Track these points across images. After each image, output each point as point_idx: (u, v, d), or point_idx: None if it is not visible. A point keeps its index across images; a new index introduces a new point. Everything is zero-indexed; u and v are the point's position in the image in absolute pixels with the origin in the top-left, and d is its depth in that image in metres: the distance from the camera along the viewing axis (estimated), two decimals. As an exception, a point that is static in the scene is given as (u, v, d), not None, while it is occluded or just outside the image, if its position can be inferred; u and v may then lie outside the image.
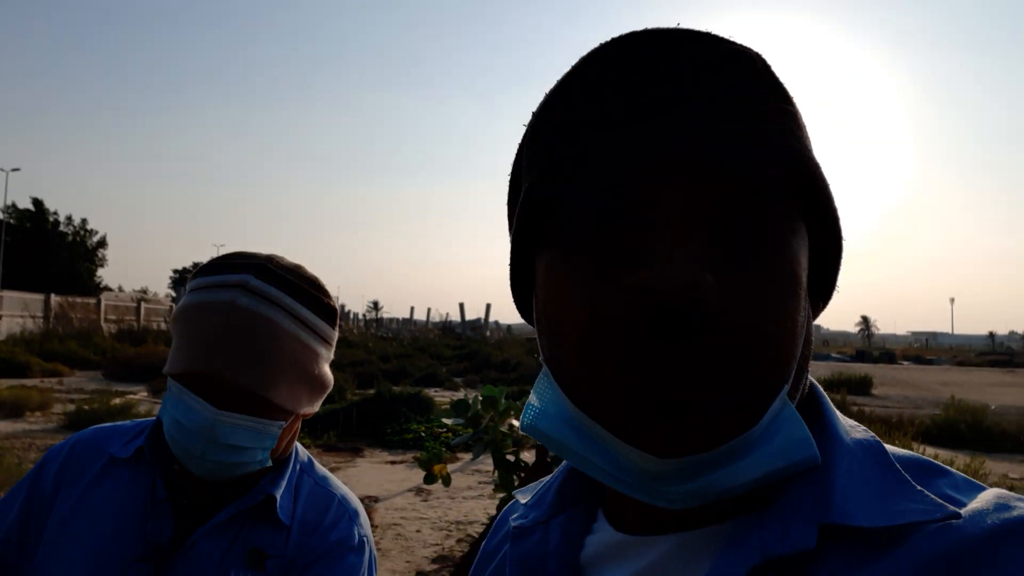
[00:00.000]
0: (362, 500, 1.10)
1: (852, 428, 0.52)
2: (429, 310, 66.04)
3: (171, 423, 0.98)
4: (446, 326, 51.90)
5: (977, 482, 0.49)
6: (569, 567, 0.56)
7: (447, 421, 4.92)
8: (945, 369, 36.46)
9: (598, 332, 0.46)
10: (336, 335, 1.10)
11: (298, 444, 1.15)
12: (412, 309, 59.81)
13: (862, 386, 19.47)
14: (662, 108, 0.47)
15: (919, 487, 0.47)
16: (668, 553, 0.51)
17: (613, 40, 0.50)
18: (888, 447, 0.51)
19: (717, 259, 0.45)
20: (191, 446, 0.96)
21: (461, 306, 47.86)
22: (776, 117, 0.48)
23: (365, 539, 1.10)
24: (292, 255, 1.08)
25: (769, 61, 0.50)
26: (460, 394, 16.67)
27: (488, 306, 47.50)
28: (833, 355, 48.67)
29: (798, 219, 0.49)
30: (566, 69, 0.52)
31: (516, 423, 4.32)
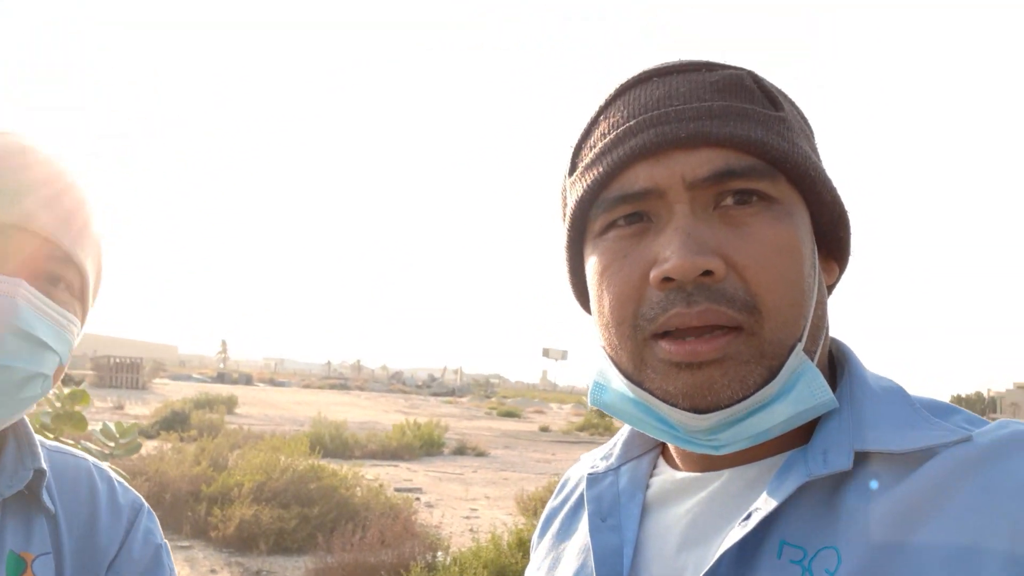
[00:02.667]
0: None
1: (878, 377, 0.63)
2: None
3: None
4: None
5: (982, 418, 0.58)
6: (637, 502, 0.67)
7: None
8: (295, 390, 40.54)
9: (636, 315, 0.59)
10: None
11: None
12: None
13: (229, 405, 20.19)
14: (669, 119, 0.59)
15: (936, 419, 0.57)
16: (723, 485, 0.62)
17: (626, 82, 0.64)
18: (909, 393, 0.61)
19: (725, 240, 0.57)
20: None
21: None
22: (764, 119, 0.60)
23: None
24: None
25: (759, 76, 0.63)
26: None
27: None
28: (195, 375, 48.70)
29: (796, 202, 0.60)
30: (594, 109, 0.67)
31: None
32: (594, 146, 0.64)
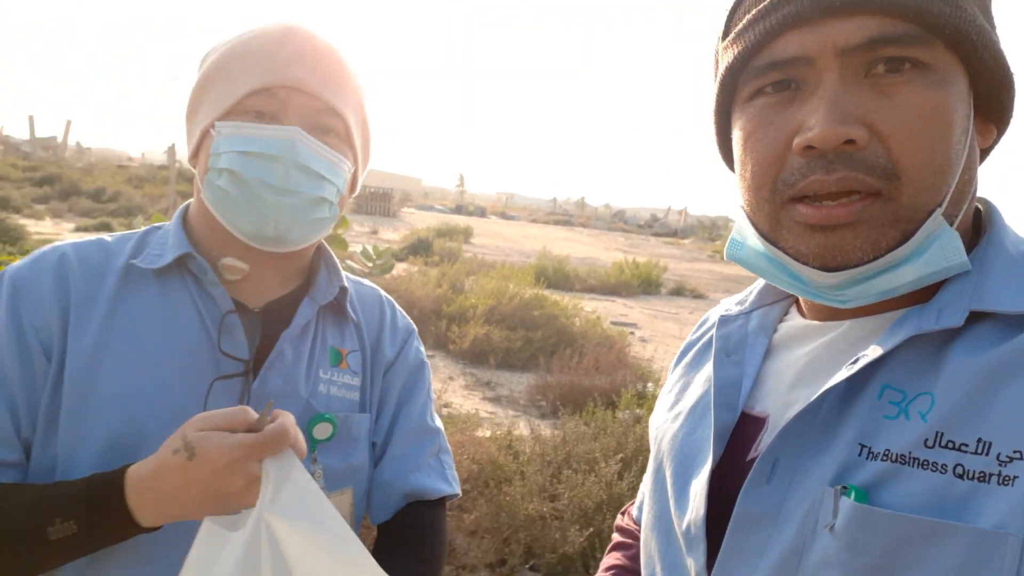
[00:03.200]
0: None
1: (1020, 241, 0.63)
2: (-25, 118, 52.16)
3: (236, 163, 0.89)
4: (5, 142, 42.08)
5: None
6: (762, 343, 0.74)
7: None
8: (523, 224, 42.43)
9: (776, 179, 0.62)
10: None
11: None
12: (-51, 114, 46.66)
13: (465, 234, 21.90)
14: None
15: None
16: (843, 333, 0.66)
17: None
18: None
19: (872, 108, 0.57)
20: (268, 178, 0.88)
21: (30, 119, 39.00)
22: None
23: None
24: None
25: None
26: (47, 223, 14.23)
27: (68, 123, 39.57)
28: (436, 206, 52.93)
29: (952, 67, 0.59)
30: None
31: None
32: (748, 11, 0.64)
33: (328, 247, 1.09)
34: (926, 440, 0.54)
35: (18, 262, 0.91)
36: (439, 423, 1.13)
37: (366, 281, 1.15)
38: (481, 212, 50.17)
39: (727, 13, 0.68)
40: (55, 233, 12.38)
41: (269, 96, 0.91)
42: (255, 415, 0.77)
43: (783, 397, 0.68)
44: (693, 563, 0.66)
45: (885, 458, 0.56)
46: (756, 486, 0.62)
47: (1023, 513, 0.49)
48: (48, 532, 0.76)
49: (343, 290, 1.04)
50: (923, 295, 0.62)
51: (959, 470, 0.52)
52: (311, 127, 0.92)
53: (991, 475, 0.51)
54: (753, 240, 0.67)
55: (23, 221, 12.44)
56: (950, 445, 0.53)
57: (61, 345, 0.87)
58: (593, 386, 5.38)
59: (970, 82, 0.61)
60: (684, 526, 0.69)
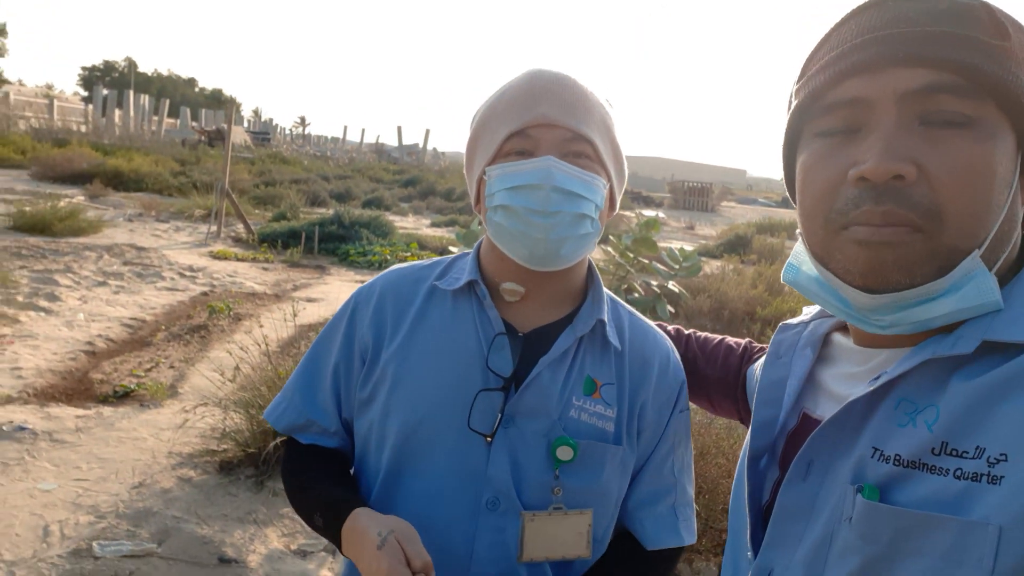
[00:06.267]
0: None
1: None
2: (364, 131, 63.56)
3: (505, 198, 1.00)
4: (379, 149, 50.42)
5: None
6: (813, 350, 0.83)
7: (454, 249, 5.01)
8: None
9: (831, 209, 0.68)
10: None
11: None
12: (345, 128, 57.30)
13: (790, 230, 20.52)
14: (892, 40, 0.65)
15: None
16: (879, 362, 0.74)
17: (859, 6, 0.71)
18: None
19: (922, 151, 0.63)
20: (534, 204, 0.98)
21: (399, 129, 46.14)
22: (984, 47, 0.63)
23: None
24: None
25: (994, 7, 0.65)
26: (409, 220, 16.69)
27: (427, 132, 46.00)
28: (760, 199, 50.43)
29: (1001, 125, 0.64)
30: (829, 26, 0.74)
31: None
32: (821, 59, 0.72)
33: (599, 278, 1.16)
34: (933, 448, 0.62)
35: (364, 285, 1.18)
36: (688, 476, 1.15)
37: (653, 326, 1.19)
38: (810, 206, 46.40)
39: (805, 59, 0.76)
40: (415, 227, 14.50)
41: (523, 137, 1.02)
42: None
43: (820, 404, 0.79)
44: (750, 546, 0.78)
45: (897, 462, 0.64)
46: (794, 483, 0.73)
47: (1005, 507, 0.56)
48: (314, 519, 1.05)
49: (600, 322, 1.09)
50: (950, 328, 0.67)
51: (958, 472, 0.60)
52: (563, 154, 1.01)
53: (982, 475, 0.58)
54: (807, 265, 0.76)
55: (392, 217, 14.78)
56: (953, 452, 0.61)
57: (375, 353, 1.10)
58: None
59: (1018, 141, 0.65)
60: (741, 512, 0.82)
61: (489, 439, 1.00)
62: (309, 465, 1.12)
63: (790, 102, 0.78)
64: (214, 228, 11.28)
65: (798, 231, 0.76)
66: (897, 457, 0.64)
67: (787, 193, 0.81)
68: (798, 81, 0.76)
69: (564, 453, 1.01)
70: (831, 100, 0.69)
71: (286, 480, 1.14)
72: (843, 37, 0.70)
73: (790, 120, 0.76)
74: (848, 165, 0.66)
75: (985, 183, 0.63)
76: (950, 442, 0.61)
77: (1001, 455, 0.58)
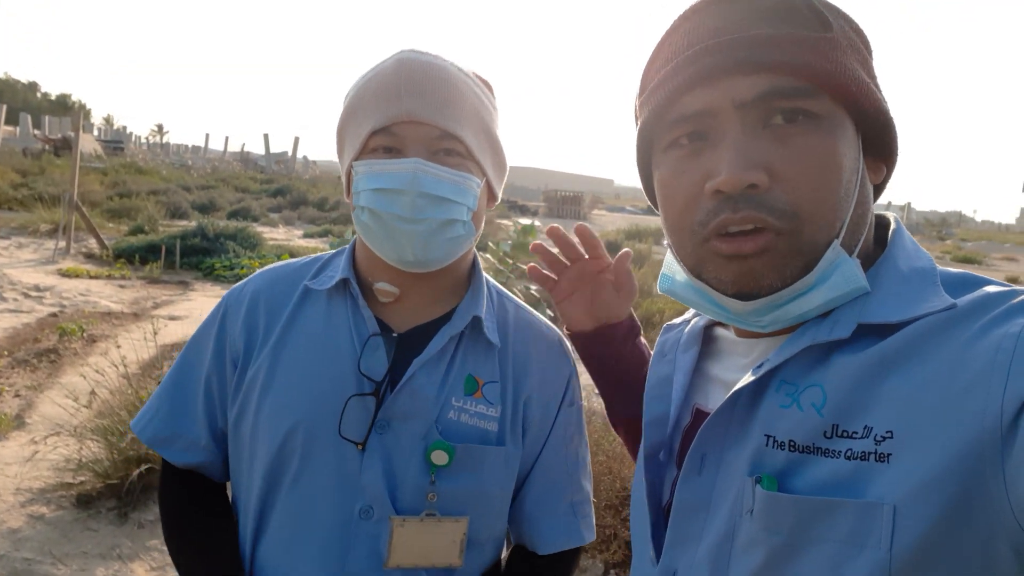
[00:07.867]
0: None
1: (914, 258, 0.69)
2: (227, 138, 60.60)
3: (371, 200, 0.95)
4: (245, 158, 48.20)
5: (1015, 288, 0.62)
6: (697, 347, 0.84)
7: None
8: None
9: (693, 222, 0.69)
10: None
11: (486, 275, 1.14)
12: (207, 136, 54.37)
13: (656, 236, 21.54)
14: (721, 48, 0.66)
15: (945, 293, 0.63)
16: (760, 351, 0.75)
17: (686, 11, 0.72)
18: (945, 269, 0.67)
19: (772, 155, 0.64)
20: (399, 211, 0.94)
21: (266, 137, 44.26)
22: (811, 42, 0.65)
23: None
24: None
25: (812, 1, 0.68)
26: (280, 231, 16.07)
27: (297, 139, 44.39)
28: (627, 207, 52.61)
29: (840, 116, 0.66)
30: (660, 35, 0.74)
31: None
32: (658, 72, 0.72)
33: (481, 272, 1.12)
34: (825, 431, 0.62)
35: (235, 286, 1.11)
36: (585, 472, 1.13)
37: (548, 324, 1.15)
38: (674, 212, 48.91)
39: (642, 71, 0.77)
40: (287, 239, 13.96)
41: (388, 134, 0.96)
42: None
43: (707, 395, 0.80)
44: (652, 548, 0.77)
45: (792, 448, 0.64)
46: (689, 478, 0.72)
47: (897, 485, 0.56)
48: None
49: (475, 319, 1.04)
50: (826, 313, 0.69)
51: (849, 453, 0.60)
52: (432, 152, 0.96)
53: (870, 454, 0.59)
54: (680, 275, 0.76)
55: (261, 228, 14.17)
56: (844, 434, 0.61)
57: (245, 360, 1.03)
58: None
59: (856, 128, 0.68)
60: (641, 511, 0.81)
61: (360, 447, 0.96)
62: (184, 511, 1.08)
63: (636, 116, 0.79)
64: (62, 244, 10.37)
65: (666, 242, 0.76)
66: (792, 443, 0.64)
67: (652, 206, 0.81)
68: (640, 95, 0.76)
69: (439, 458, 0.97)
70: (675, 116, 0.69)
71: (164, 521, 1.08)
72: (675, 48, 0.71)
73: (639, 137, 0.76)
74: (703, 177, 0.67)
75: (834, 175, 0.65)
76: (840, 424, 0.61)
77: (887, 432, 0.58)
